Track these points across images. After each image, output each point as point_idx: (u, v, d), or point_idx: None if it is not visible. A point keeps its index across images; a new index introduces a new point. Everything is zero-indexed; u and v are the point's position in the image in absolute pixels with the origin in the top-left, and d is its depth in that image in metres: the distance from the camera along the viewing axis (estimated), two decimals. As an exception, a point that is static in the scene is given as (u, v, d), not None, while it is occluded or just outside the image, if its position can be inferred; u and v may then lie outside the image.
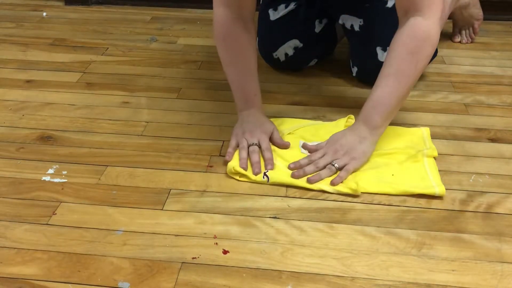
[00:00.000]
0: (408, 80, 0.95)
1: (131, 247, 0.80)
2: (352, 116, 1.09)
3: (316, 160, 0.95)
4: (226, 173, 0.96)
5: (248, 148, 0.98)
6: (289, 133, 1.05)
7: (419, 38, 0.93)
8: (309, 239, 0.82)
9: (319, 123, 1.10)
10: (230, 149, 0.99)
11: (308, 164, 0.95)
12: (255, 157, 0.96)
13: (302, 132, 1.06)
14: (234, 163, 0.95)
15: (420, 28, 0.93)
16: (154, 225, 0.84)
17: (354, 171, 0.94)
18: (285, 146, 1.01)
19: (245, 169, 0.94)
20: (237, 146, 1.00)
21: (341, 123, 1.07)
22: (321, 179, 0.92)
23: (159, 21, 1.70)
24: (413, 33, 0.93)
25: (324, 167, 0.94)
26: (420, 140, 1.04)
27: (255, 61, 1.05)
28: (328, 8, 1.27)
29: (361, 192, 0.91)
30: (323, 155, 0.96)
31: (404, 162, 0.98)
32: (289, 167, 0.95)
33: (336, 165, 0.94)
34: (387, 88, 0.95)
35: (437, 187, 0.90)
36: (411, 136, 1.05)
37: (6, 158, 1.01)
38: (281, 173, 0.94)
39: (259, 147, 0.98)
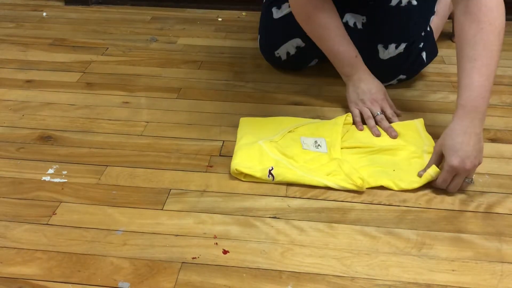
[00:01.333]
0: (497, 53, 0.91)
1: (131, 247, 0.80)
2: (351, 114, 1.10)
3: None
4: (226, 173, 0.96)
5: (375, 118, 1.08)
6: (289, 131, 1.05)
7: (490, 7, 0.89)
8: (309, 239, 0.82)
9: (318, 121, 1.11)
10: (357, 119, 1.08)
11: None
12: (385, 123, 1.07)
13: (303, 130, 1.06)
14: (237, 163, 0.94)
15: (493, 12, 0.89)
16: (154, 225, 0.84)
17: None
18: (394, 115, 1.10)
19: (378, 135, 1.05)
20: (361, 115, 1.09)
21: (340, 121, 1.07)
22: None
23: (159, 21, 1.70)
24: (484, 4, 0.89)
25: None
26: (417, 134, 1.05)
27: (343, 27, 1.12)
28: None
29: (366, 188, 0.91)
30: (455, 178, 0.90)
31: (405, 158, 0.98)
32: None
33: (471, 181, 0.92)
34: (484, 69, 0.90)
35: None
36: (409, 132, 1.06)
37: (6, 158, 1.01)
38: (285, 170, 0.94)
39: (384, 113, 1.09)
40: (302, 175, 0.93)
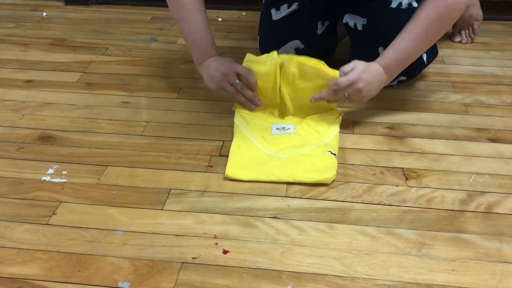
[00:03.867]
0: (430, 42, 1.03)
1: (131, 247, 0.80)
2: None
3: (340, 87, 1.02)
4: (225, 171, 0.96)
5: (235, 87, 1.06)
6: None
7: (450, 4, 0.98)
8: (309, 239, 0.82)
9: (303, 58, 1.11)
10: (225, 93, 1.08)
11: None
12: (248, 92, 1.07)
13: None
14: (230, 173, 0.95)
15: None
16: (154, 225, 0.84)
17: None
18: (251, 77, 1.06)
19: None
20: (225, 91, 1.08)
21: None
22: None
23: (159, 21, 1.70)
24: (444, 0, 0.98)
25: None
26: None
27: (206, 14, 1.11)
28: (333, 7, 1.27)
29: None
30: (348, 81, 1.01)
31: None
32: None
33: (346, 101, 1.03)
34: (413, 45, 1.01)
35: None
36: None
37: (6, 158, 1.01)
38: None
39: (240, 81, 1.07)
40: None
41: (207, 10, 1.13)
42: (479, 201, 0.90)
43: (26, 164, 0.99)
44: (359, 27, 1.21)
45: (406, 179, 0.96)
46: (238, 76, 1.06)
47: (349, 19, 1.22)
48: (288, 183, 0.93)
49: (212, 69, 1.08)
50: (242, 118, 1.08)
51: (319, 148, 1.00)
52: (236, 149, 1.00)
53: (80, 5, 1.83)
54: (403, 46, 1.01)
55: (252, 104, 1.09)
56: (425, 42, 1.02)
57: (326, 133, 1.04)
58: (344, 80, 1.01)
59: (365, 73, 1.01)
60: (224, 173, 0.95)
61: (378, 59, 1.04)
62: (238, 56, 1.43)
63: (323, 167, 0.95)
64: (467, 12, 1.50)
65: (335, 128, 1.06)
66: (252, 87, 1.07)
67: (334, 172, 0.94)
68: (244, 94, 1.08)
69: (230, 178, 0.94)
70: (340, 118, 1.10)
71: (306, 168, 0.95)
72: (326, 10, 1.27)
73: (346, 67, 1.02)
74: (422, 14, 1.00)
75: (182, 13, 1.10)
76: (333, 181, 0.94)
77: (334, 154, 0.98)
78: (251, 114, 1.09)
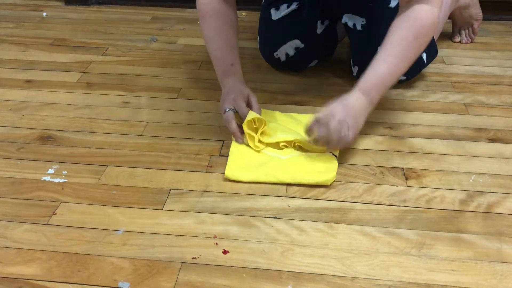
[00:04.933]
0: (409, 64, 0.98)
1: (131, 247, 0.80)
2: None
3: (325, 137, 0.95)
4: (224, 172, 0.96)
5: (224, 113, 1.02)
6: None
7: (427, 25, 0.96)
8: (309, 239, 0.82)
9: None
10: (231, 126, 1.02)
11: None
12: (231, 125, 1.01)
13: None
14: (229, 174, 0.94)
15: (427, 15, 0.96)
16: (154, 225, 0.84)
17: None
18: (258, 111, 1.02)
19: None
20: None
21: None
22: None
23: (159, 21, 1.70)
24: (422, 20, 0.96)
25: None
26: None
27: (236, 35, 1.10)
28: (332, 7, 1.27)
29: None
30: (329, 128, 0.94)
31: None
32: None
33: (333, 155, 0.98)
34: (392, 68, 0.97)
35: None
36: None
37: (6, 158, 1.01)
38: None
39: (235, 112, 1.02)
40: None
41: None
42: (479, 201, 0.90)
43: (26, 164, 0.99)
44: (359, 27, 1.21)
45: (406, 179, 0.96)
46: (235, 108, 1.02)
47: (348, 20, 1.22)
48: (288, 184, 0.93)
49: (225, 89, 1.07)
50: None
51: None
52: (236, 150, 1.00)
53: (80, 5, 1.83)
54: (383, 71, 0.97)
55: (237, 137, 1.02)
56: (404, 64, 0.98)
57: None
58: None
59: (345, 109, 0.95)
60: (224, 173, 0.95)
61: (359, 86, 0.98)
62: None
63: (323, 169, 0.95)
64: (467, 12, 1.50)
65: None
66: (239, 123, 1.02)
67: (334, 173, 0.94)
68: (227, 126, 1.02)
69: (230, 179, 0.94)
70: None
71: (306, 170, 0.95)
72: (325, 10, 1.27)
73: (320, 116, 0.95)
74: (399, 35, 0.96)
75: (208, 33, 1.09)
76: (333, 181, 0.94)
77: (336, 156, 0.98)
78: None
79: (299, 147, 1.00)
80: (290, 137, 1.00)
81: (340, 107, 0.95)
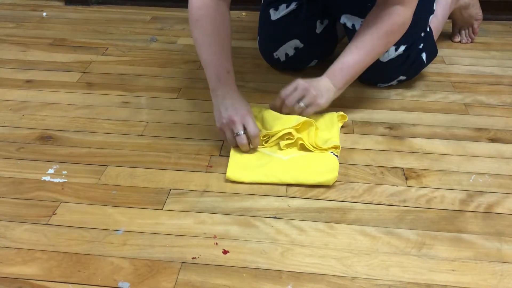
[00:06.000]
0: (375, 57, 1.07)
1: (131, 247, 0.80)
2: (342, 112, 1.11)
3: (287, 95, 1.04)
4: (226, 173, 0.96)
5: (235, 137, 0.98)
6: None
7: (397, 23, 1.03)
8: (309, 239, 0.82)
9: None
10: (225, 140, 1.02)
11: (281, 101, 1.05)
12: (245, 147, 0.99)
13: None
14: (231, 174, 0.94)
15: (400, 16, 1.02)
16: (154, 225, 0.84)
17: (316, 110, 1.04)
18: (256, 140, 0.98)
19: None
20: (224, 135, 1.01)
21: (334, 117, 1.10)
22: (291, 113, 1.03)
23: (159, 21, 1.70)
24: (393, 18, 1.02)
25: (293, 104, 1.03)
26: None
27: (229, 42, 1.07)
28: (330, 7, 1.27)
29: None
30: (294, 90, 1.04)
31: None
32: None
33: (302, 104, 1.03)
34: (357, 57, 1.05)
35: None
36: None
37: (6, 158, 1.01)
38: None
39: (245, 132, 0.98)
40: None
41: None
42: (479, 201, 0.90)
43: (26, 164, 0.99)
44: (357, 28, 1.21)
45: (406, 179, 0.96)
46: (245, 129, 0.98)
47: (347, 20, 1.22)
48: (288, 184, 0.93)
49: (224, 106, 1.00)
50: None
51: (322, 148, 0.99)
52: (236, 151, 1.00)
53: (80, 5, 1.83)
54: (350, 61, 1.05)
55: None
56: (370, 57, 1.06)
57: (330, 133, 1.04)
58: (290, 87, 1.05)
59: (308, 82, 1.04)
60: (224, 173, 0.95)
61: (326, 72, 1.06)
62: (238, 56, 1.44)
63: (325, 169, 0.95)
64: (467, 11, 1.50)
65: (337, 126, 1.07)
66: (253, 147, 1.00)
67: (336, 173, 0.94)
68: (241, 147, 0.99)
69: (231, 181, 0.94)
70: (343, 120, 1.10)
71: (308, 170, 0.95)
72: (324, 10, 1.27)
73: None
74: (369, 30, 1.03)
75: (202, 39, 1.04)
76: (333, 181, 0.94)
77: (337, 156, 0.98)
78: None
79: (301, 146, 1.00)
80: (293, 122, 1.00)
81: (304, 81, 1.04)
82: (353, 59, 1.05)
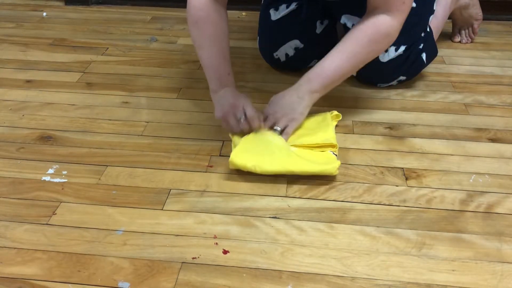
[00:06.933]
0: (357, 64, 1.05)
1: (131, 247, 0.80)
2: (335, 112, 1.11)
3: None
4: (226, 173, 0.96)
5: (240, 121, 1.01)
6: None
7: (382, 32, 1.01)
8: (309, 239, 0.82)
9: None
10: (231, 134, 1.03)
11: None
12: (255, 124, 1.00)
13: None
14: (235, 157, 0.94)
15: (386, 25, 1.01)
16: (154, 225, 0.84)
17: (294, 132, 1.03)
18: (255, 120, 1.00)
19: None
20: (227, 123, 1.03)
21: (328, 117, 1.09)
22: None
23: (159, 21, 1.70)
24: (379, 27, 1.01)
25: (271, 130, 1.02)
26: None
27: (228, 44, 1.09)
28: (330, 7, 1.27)
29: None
30: (266, 119, 1.02)
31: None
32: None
33: (278, 128, 1.01)
34: (338, 62, 1.03)
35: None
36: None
37: (6, 158, 1.01)
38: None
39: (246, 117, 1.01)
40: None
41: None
42: (479, 201, 0.90)
43: (26, 164, 0.99)
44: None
45: (406, 179, 0.96)
46: (245, 113, 1.01)
47: (347, 20, 1.22)
48: (288, 183, 0.93)
49: (224, 99, 1.04)
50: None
51: (319, 144, 1.00)
52: (241, 138, 1.00)
53: (80, 5, 1.83)
54: (330, 67, 1.03)
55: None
56: (351, 64, 1.03)
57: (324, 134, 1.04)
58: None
59: (276, 102, 1.03)
60: (224, 173, 0.95)
61: (301, 81, 1.04)
62: (238, 56, 1.44)
63: (326, 160, 0.96)
64: (467, 11, 1.50)
65: (331, 126, 1.07)
66: (252, 129, 1.02)
67: (339, 162, 0.94)
68: (241, 128, 1.02)
69: (234, 165, 0.93)
70: (337, 119, 1.10)
71: (311, 159, 0.95)
72: (324, 10, 1.27)
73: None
74: (354, 36, 1.02)
75: (202, 40, 1.06)
76: (333, 181, 0.94)
77: (336, 155, 0.98)
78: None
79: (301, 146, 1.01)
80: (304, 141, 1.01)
81: (271, 106, 1.04)
82: (333, 63, 1.03)
